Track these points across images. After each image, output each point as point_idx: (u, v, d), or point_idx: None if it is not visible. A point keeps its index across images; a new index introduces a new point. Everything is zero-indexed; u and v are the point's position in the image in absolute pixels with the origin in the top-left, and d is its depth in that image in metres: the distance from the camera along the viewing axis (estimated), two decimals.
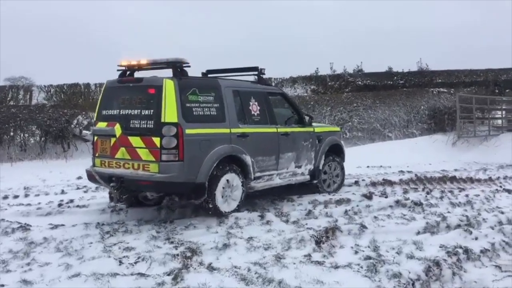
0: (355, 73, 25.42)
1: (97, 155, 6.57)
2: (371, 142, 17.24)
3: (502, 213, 6.72)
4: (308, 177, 8.02)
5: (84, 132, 14.13)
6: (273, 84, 23.60)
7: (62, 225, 6.10)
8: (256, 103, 7.17)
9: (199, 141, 6.13)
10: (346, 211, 6.72)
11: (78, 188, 8.95)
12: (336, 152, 8.65)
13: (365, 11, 44.09)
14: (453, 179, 10.32)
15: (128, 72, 6.62)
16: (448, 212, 6.85)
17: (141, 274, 4.35)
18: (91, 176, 6.53)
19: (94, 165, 6.62)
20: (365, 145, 16.84)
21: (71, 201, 7.62)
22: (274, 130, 7.32)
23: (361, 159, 12.56)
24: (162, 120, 5.92)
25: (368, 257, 4.72)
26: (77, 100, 24.04)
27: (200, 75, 7.52)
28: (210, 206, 6.25)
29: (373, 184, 9.26)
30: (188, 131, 5.98)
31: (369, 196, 7.61)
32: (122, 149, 6.19)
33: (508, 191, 8.60)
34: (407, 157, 13.46)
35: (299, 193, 7.89)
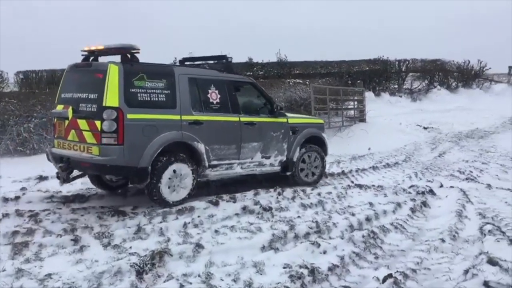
0: (214, 65, 24.56)
1: (55, 136, 6.81)
2: None
3: (353, 214, 6.22)
4: (278, 168, 8.03)
5: None
6: None
7: None
8: (216, 91, 7.12)
9: (142, 126, 6.16)
10: (185, 224, 5.68)
11: None
12: (317, 144, 8.63)
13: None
14: None
15: (91, 58, 6.63)
16: (299, 216, 6.18)
17: None
18: (47, 156, 6.71)
19: (53, 146, 6.86)
20: None
21: None
22: (235, 119, 7.29)
23: None
24: (104, 104, 5.95)
25: None
26: None
27: (178, 63, 7.91)
28: (155, 194, 6.31)
29: (224, 185, 8.41)
30: (130, 115, 6.02)
31: (215, 202, 6.63)
32: (73, 131, 6.35)
33: (360, 186, 8.32)
34: None
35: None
